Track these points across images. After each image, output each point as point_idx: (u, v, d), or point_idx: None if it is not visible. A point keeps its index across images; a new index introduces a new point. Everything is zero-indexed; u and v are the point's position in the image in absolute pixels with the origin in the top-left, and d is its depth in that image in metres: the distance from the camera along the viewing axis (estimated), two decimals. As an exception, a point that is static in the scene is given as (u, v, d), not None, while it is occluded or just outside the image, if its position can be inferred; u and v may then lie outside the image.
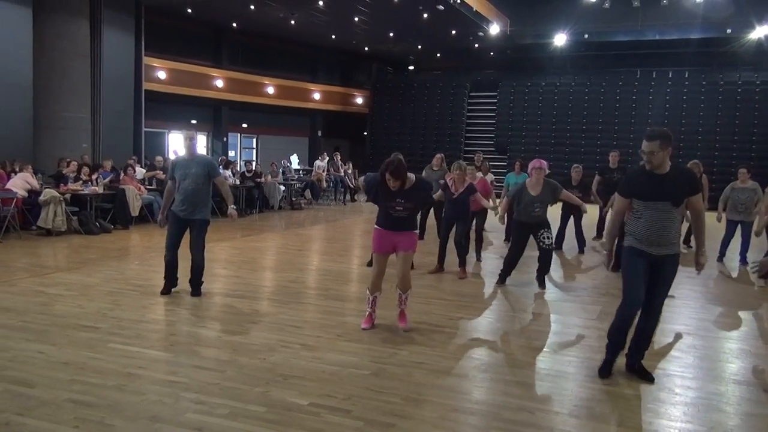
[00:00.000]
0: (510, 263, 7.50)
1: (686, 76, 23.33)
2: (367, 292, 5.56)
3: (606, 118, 23.49)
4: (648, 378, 4.42)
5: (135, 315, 5.76)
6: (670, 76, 23.57)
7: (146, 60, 17.96)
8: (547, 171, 7.47)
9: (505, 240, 10.74)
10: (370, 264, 7.94)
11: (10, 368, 4.29)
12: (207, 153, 23.31)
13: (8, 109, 13.71)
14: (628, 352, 4.51)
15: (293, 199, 17.53)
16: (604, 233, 4.56)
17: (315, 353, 4.79)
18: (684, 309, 6.78)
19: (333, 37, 23.46)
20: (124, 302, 6.20)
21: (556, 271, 8.87)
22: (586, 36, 22.58)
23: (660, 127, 4.40)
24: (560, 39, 22.50)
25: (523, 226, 7.35)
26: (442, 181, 8.32)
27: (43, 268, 8.03)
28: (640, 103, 23.30)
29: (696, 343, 5.40)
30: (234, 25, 22.26)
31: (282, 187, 16.94)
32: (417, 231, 5.49)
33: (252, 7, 19.05)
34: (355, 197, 20.34)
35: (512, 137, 24.46)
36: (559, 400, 4.09)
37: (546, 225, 7.30)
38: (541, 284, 7.38)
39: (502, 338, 5.46)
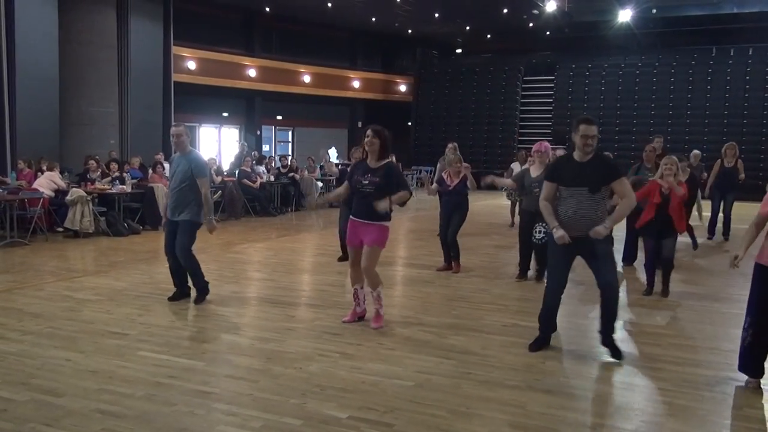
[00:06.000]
0: (522, 252, 7.96)
1: (769, 52, 22.61)
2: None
3: (677, 102, 22.91)
4: (617, 356, 4.92)
5: (165, 321, 5.91)
6: (750, 53, 22.84)
7: (175, 49, 18.35)
8: (550, 154, 7.70)
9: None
10: (342, 259, 8.66)
11: (37, 376, 4.46)
12: (240, 148, 23.68)
13: (34, 104, 14.17)
14: (600, 329, 5.02)
15: (332, 195, 17.64)
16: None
17: (355, 362, 4.83)
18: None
19: (373, 19, 23.52)
20: (153, 308, 6.36)
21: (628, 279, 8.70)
22: (654, 11, 22.00)
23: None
24: (625, 15, 21.98)
25: (526, 214, 7.75)
26: (439, 175, 8.76)
27: (71, 271, 8.30)
28: (715, 84, 22.64)
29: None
30: (267, 9, 22.50)
31: (319, 183, 17.06)
32: (385, 224, 5.58)
33: (286, -11, 19.29)
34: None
35: (571, 125, 24.03)
36: (625, 414, 4.02)
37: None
38: (539, 276, 7.73)
39: (560, 346, 5.38)
